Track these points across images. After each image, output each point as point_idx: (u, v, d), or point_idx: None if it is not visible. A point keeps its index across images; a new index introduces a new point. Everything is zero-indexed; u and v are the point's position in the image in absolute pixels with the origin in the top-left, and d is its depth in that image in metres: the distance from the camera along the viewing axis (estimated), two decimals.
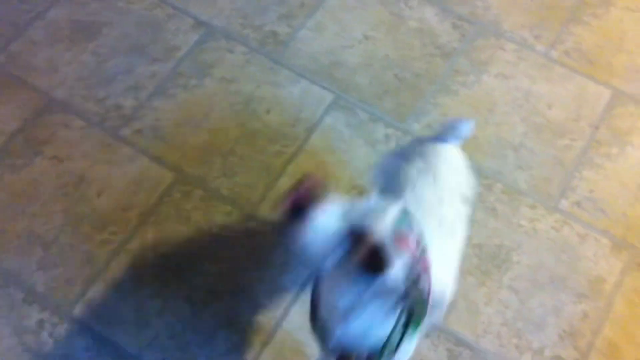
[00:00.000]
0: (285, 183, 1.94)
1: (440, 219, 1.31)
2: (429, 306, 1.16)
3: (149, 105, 2.05)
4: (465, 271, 1.82)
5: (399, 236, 1.03)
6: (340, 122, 2.04)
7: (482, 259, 1.84)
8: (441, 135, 1.48)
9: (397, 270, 1.01)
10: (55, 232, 1.85)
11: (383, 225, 1.01)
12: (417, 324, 1.15)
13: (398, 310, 1.11)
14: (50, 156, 1.96)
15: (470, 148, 2.00)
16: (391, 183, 1.40)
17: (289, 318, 1.75)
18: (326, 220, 0.99)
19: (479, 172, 1.96)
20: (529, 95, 2.11)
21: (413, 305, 1.11)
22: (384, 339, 1.13)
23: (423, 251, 1.11)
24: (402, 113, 2.06)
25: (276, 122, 2.04)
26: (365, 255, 0.99)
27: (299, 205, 0.98)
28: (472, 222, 1.88)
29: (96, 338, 1.71)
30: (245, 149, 2.00)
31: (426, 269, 1.13)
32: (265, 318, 1.76)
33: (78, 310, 1.75)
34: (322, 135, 2.02)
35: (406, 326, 1.13)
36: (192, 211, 1.89)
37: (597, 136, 2.04)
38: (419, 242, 1.12)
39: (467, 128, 1.48)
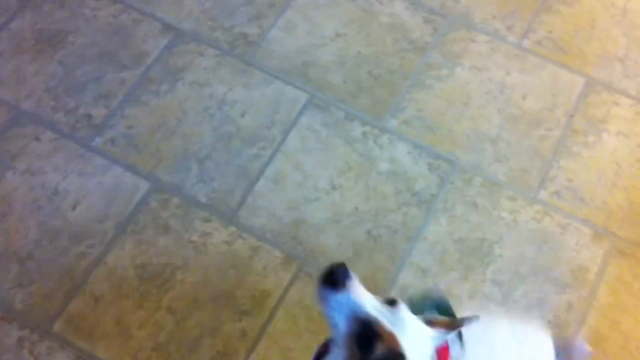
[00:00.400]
0: (264, 186, 1.93)
1: None
2: None
3: (121, 114, 2.03)
4: (448, 267, 1.83)
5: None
6: (317, 121, 2.04)
7: (464, 254, 1.85)
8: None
9: None
10: (31, 247, 1.83)
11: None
12: None
13: None
14: (22, 170, 1.93)
15: (447, 143, 2.01)
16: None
17: (273, 323, 1.75)
18: (355, 299, 1.01)
19: (457, 166, 1.97)
20: (504, 86, 2.12)
21: None
22: None
23: None
24: (378, 110, 2.06)
25: (251, 125, 2.03)
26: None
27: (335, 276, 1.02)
28: (454, 217, 1.90)
29: (78, 353, 1.69)
30: (221, 153, 1.98)
31: None
32: (249, 325, 1.75)
33: (58, 326, 1.72)
34: (299, 135, 2.01)
35: None
36: (170, 219, 1.88)
37: (573, 125, 2.06)
38: None
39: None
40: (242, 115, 2.05)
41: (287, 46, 2.17)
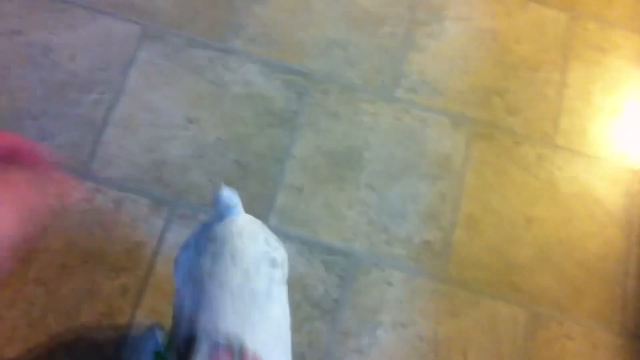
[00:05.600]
0: (113, 133, 1.87)
1: (252, 292, 1.26)
2: None
3: None
4: (322, 180, 1.89)
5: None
6: (156, 54, 1.98)
7: (336, 165, 1.91)
8: (220, 213, 1.37)
9: None
10: None
11: None
12: None
13: None
14: None
15: (297, 55, 2.04)
16: (191, 281, 1.37)
17: (154, 275, 1.74)
18: None
19: (312, 77, 2.00)
20: None
21: None
22: None
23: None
24: (219, 31, 2.03)
25: (85, 69, 1.94)
26: None
27: None
28: (319, 131, 1.94)
29: None
30: (57, 105, 1.89)
31: None
32: (128, 279, 1.73)
33: None
34: (141, 72, 1.95)
35: None
36: None
37: (416, 17, 2.15)
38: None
39: (228, 197, 1.36)
40: (72, 60, 1.95)
41: None
